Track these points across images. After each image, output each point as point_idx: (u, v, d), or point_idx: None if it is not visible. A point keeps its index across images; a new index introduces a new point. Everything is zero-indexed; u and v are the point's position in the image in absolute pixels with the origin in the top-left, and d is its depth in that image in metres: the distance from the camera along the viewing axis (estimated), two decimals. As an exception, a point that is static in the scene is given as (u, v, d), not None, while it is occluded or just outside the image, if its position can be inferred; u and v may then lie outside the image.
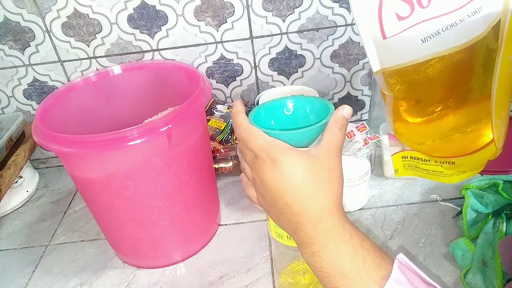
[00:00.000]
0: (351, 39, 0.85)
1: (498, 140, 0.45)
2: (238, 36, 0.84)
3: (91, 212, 0.68)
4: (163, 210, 0.62)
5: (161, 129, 0.52)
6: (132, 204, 0.60)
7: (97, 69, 0.87)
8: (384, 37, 0.41)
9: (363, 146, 0.76)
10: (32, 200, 0.87)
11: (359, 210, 0.72)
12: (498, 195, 0.65)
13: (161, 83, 0.72)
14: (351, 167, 0.71)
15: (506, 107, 0.44)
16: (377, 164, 0.81)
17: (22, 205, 0.85)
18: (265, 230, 0.71)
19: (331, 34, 0.84)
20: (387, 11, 0.40)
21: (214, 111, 0.86)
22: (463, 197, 0.65)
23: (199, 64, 0.87)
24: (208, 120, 0.83)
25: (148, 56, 0.86)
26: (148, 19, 0.81)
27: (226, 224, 0.74)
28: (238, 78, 0.90)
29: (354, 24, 0.83)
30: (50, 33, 0.82)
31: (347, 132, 0.65)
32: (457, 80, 0.44)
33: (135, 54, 0.86)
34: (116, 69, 0.72)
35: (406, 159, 0.53)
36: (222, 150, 0.80)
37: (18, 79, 0.88)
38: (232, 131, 0.82)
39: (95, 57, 0.86)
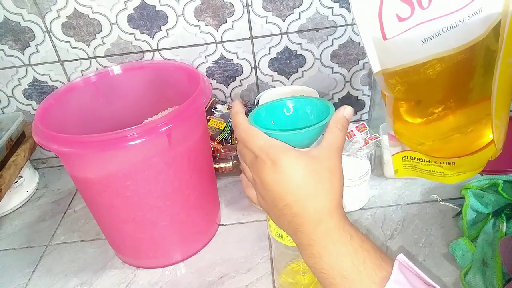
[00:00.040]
0: (351, 39, 0.85)
1: (498, 140, 0.45)
2: (238, 36, 0.84)
3: (91, 212, 0.68)
4: (163, 210, 0.62)
5: (161, 129, 0.53)
6: (132, 204, 0.60)
7: (97, 69, 0.87)
8: (385, 38, 0.41)
9: (363, 146, 0.76)
10: (32, 200, 0.87)
11: (359, 210, 0.72)
12: (498, 195, 0.65)
13: (161, 83, 0.72)
14: (351, 167, 0.71)
15: (506, 108, 0.44)
16: (377, 164, 0.81)
17: (22, 205, 0.85)
18: (265, 230, 0.71)
19: (331, 34, 0.84)
20: (387, 12, 0.40)
21: (214, 111, 0.86)
22: (463, 197, 0.65)
23: (199, 64, 0.87)
24: (208, 120, 0.83)
25: (148, 56, 0.86)
26: (148, 19, 0.81)
27: (226, 224, 0.74)
28: (238, 78, 0.90)
29: (354, 24, 0.83)
30: (50, 33, 0.82)
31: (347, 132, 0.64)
32: (457, 81, 0.44)
33: (135, 54, 0.86)
34: (116, 69, 0.72)
35: (406, 159, 0.53)
36: (222, 150, 0.80)
37: (18, 79, 0.88)
38: (232, 131, 0.82)
39: (95, 57, 0.85)
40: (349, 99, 0.94)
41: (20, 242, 0.76)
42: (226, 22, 0.82)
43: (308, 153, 0.40)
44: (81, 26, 0.82)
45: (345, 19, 0.82)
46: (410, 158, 0.53)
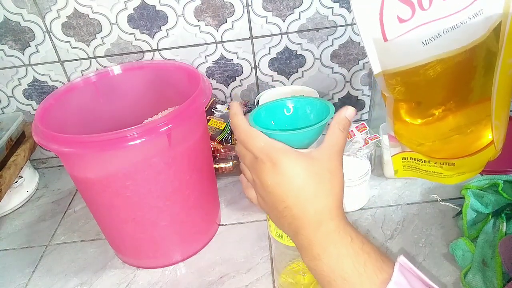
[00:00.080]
0: (351, 39, 0.85)
1: (497, 141, 0.45)
2: (238, 36, 0.84)
3: (91, 212, 0.68)
4: (163, 210, 0.62)
5: (161, 129, 0.53)
6: (132, 204, 0.60)
7: (97, 69, 0.87)
8: (385, 40, 0.41)
9: (363, 146, 0.76)
10: (32, 200, 0.87)
11: (359, 210, 0.72)
12: (498, 195, 0.65)
13: (161, 83, 0.72)
14: (351, 167, 0.71)
15: (506, 109, 0.44)
16: (377, 164, 0.81)
17: (22, 205, 0.85)
18: (265, 230, 0.71)
19: (331, 34, 0.84)
20: (388, 14, 0.40)
21: (214, 111, 0.86)
22: (463, 197, 0.65)
23: (199, 64, 0.87)
24: (208, 120, 0.83)
25: (148, 56, 0.86)
26: (148, 19, 0.81)
27: (226, 224, 0.74)
28: (238, 78, 0.90)
29: (354, 24, 0.84)
30: (50, 33, 0.82)
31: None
32: (457, 82, 0.44)
33: (135, 54, 0.86)
34: (116, 69, 0.72)
35: (406, 160, 0.53)
36: (222, 150, 0.80)
37: (18, 79, 0.88)
38: (232, 131, 0.82)
39: (95, 57, 0.85)
40: (349, 99, 0.94)
41: (20, 242, 0.76)
42: (226, 22, 0.82)
43: (309, 155, 0.40)
44: (81, 26, 0.82)
45: (345, 19, 0.82)
46: (410, 159, 0.53)
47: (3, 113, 0.92)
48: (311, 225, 0.39)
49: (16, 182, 0.84)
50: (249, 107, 0.87)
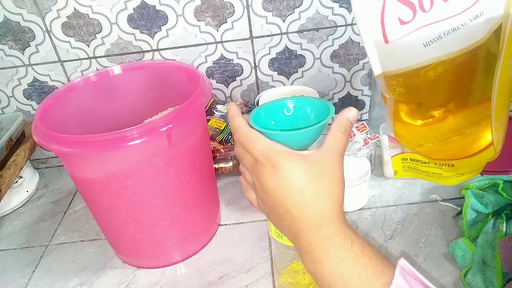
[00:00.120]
0: (351, 39, 0.85)
1: (497, 143, 0.45)
2: (238, 36, 0.84)
3: (91, 212, 0.68)
4: (163, 210, 0.62)
5: (161, 129, 0.53)
6: (132, 204, 0.60)
7: (97, 69, 0.87)
8: (386, 42, 0.41)
9: (363, 146, 0.76)
10: (32, 200, 0.87)
11: (359, 210, 0.72)
12: (498, 195, 0.65)
13: (161, 83, 0.72)
14: (351, 167, 0.71)
15: (505, 110, 0.44)
16: (377, 164, 0.81)
17: (22, 205, 0.85)
18: (265, 230, 0.71)
19: (331, 34, 0.84)
20: (389, 16, 0.40)
21: (214, 111, 0.86)
22: (463, 197, 0.65)
23: (199, 64, 0.87)
24: (208, 120, 0.83)
25: (148, 56, 0.86)
26: (148, 19, 0.81)
27: (226, 224, 0.74)
28: (238, 78, 0.90)
29: (354, 24, 0.83)
30: (50, 33, 0.82)
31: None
32: (458, 83, 0.44)
33: (135, 54, 0.86)
34: (116, 69, 0.72)
35: (406, 161, 0.53)
36: (222, 150, 0.80)
37: (18, 79, 0.88)
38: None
39: (95, 57, 0.85)
40: (349, 99, 0.94)
41: (20, 242, 0.77)
42: (226, 22, 0.82)
43: (309, 157, 0.39)
44: (81, 26, 0.81)
45: (345, 19, 0.82)
46: (410, 160, 0.53)
47: (3, 113, 0.92)
48: (311, 228, 0.38)
49: (16, 182, 0.84)
50: (249, 107, 0.87)
